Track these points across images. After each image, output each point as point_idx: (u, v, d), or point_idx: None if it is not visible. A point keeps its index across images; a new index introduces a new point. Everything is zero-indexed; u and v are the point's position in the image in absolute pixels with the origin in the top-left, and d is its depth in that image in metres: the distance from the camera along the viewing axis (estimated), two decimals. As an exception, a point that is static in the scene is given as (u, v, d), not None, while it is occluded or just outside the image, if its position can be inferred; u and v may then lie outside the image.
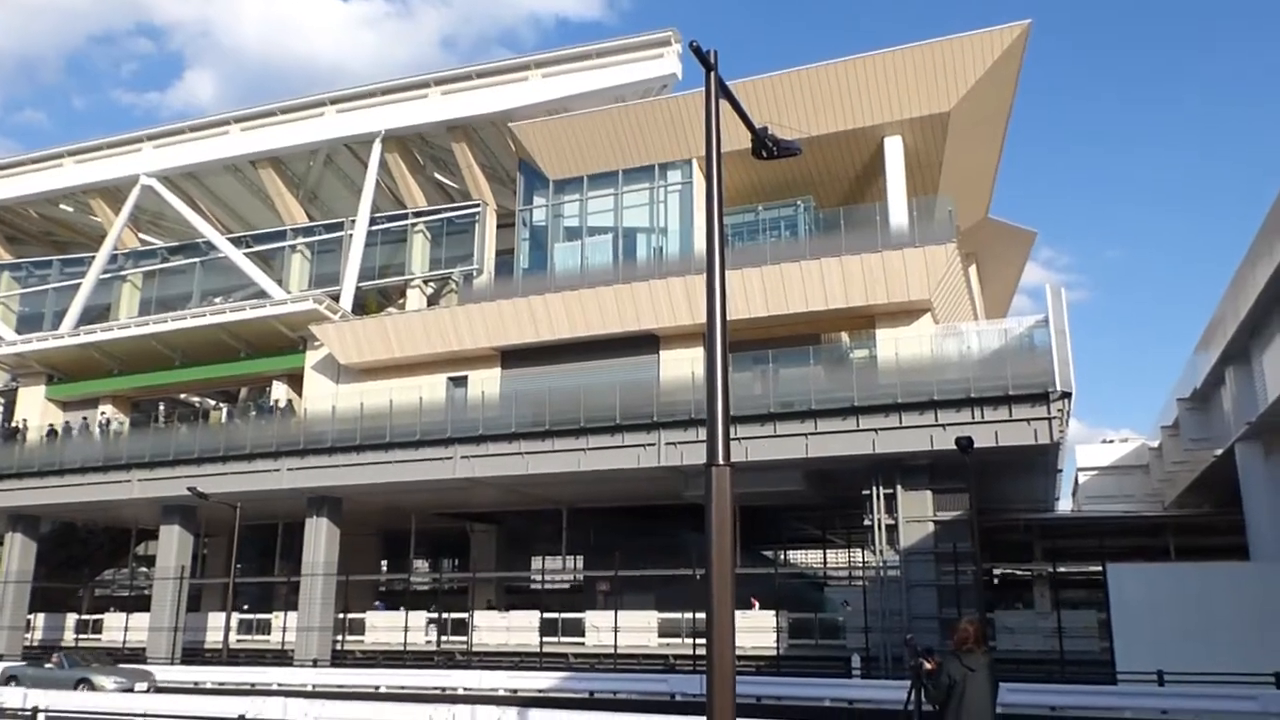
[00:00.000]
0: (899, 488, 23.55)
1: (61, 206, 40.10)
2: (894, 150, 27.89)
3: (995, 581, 34.64)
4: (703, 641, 26.75)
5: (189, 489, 28.21)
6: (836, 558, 39.88)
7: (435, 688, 20.33)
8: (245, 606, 37.09)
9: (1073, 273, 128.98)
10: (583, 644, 30.07)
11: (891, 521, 23.52)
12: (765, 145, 8.83)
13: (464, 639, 32.07)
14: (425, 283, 33.49)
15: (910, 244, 25.13)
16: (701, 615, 26.82)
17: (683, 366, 26.30)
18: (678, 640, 28.78)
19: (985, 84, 26.54)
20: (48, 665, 24.56)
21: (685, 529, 31.10)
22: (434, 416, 28.41)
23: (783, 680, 20.14)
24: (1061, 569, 32.25)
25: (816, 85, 27.45)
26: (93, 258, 37.70)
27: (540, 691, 19.82)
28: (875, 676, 20.98)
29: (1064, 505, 39.10)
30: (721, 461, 7.37)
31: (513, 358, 29.62)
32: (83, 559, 42.66)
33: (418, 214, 33.71)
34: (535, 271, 30.79)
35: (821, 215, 28.88)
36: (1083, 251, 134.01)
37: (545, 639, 29.30)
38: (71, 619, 39.56)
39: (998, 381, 22.21)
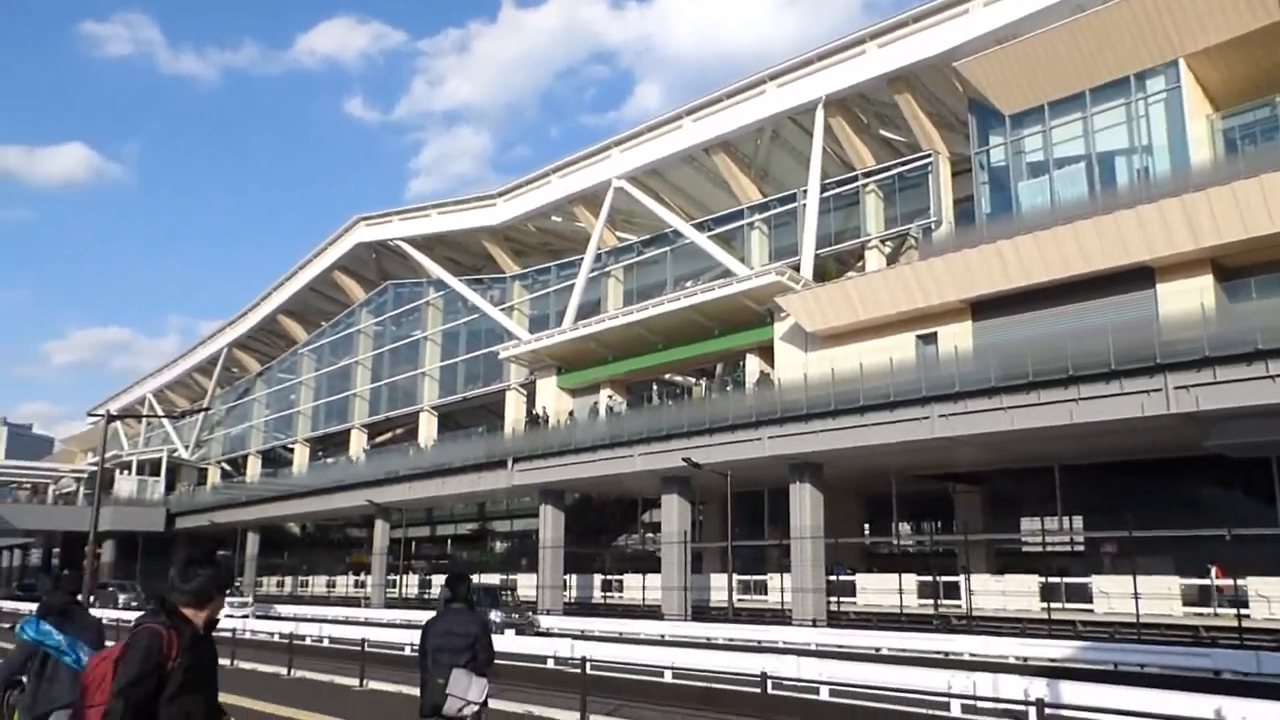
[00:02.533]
0: None
1: (552, 218, 45.52)
2: None
3: None
4: (1246, 612, 23.38)
5: (684, 459, 30.37)
6: None
7: (937, 652, 19.79)
8: (739, 568, 39.37)
9: None
10: (1090, 610, 27.64)
11: None
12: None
13: (955, 603, 31.10)
14: (882, 242, 32.88)
15: None
16: (1243, 582, 23.46)
17: (1186, 299, 22.97)
18: (1206, 610, 25.38)
19: None
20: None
21: (1206, 484, 27.21)
22: (906, 376, 27.74)
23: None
24: None
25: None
26: (581, 259, 42.34)
27: (1053, 661, 18.41)
28: None
29: None
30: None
31: (983, 309, 27.94)
32: (600, 526, 48.31)
33: (867, 174, 33.18)
34: (999, 215, 28.74)
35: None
36: None
37: (1048, 605, 27.36)
38: (597, 579, 44.95)
39: None
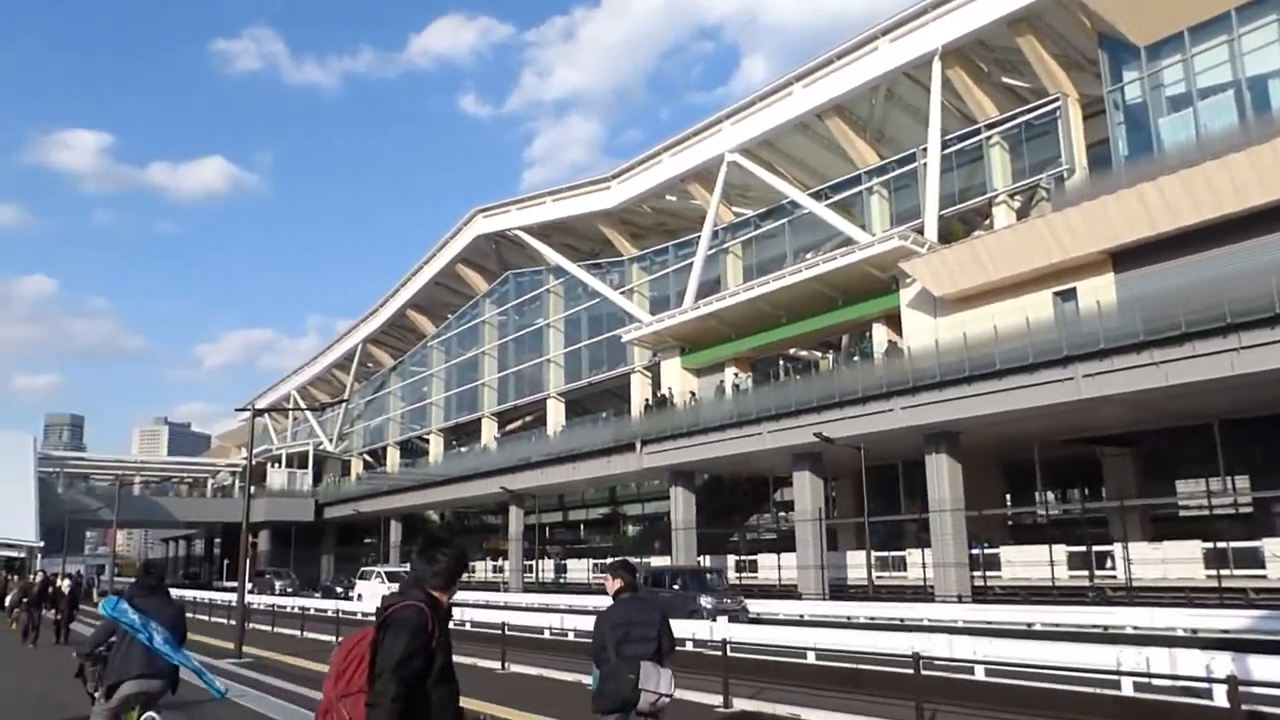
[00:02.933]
0: None
1: (667, 198, 45.18)
2: None
3: None
4: None
5: (815, 435, 29.72)
6: None
7: (1096, 626, 18.72)
8: (876, 544, 38.40)
9: None
10: (1264, 576, 25.76)
11: None
12: None
13: (1109, 574, 29.56)
14: (1010, 197, 31.27)
15: None
16: None
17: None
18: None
19: None
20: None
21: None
22: (1044, 336, 26.41)
23: None
24: None
25: None
26: (698, 237, 41.91)
27: (1226, 633, 17.13)
28: None
29: None
30: None
31: (1126, 258, 26.22)
32: (732, 507, 47.97)
33: (990, 125, 31.57)
34: (1139, 156, 26.90)
35: None
36: None
37: (1213, 572, 25.64)
38: (731, 560, 44.64)
39: None
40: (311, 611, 29.61)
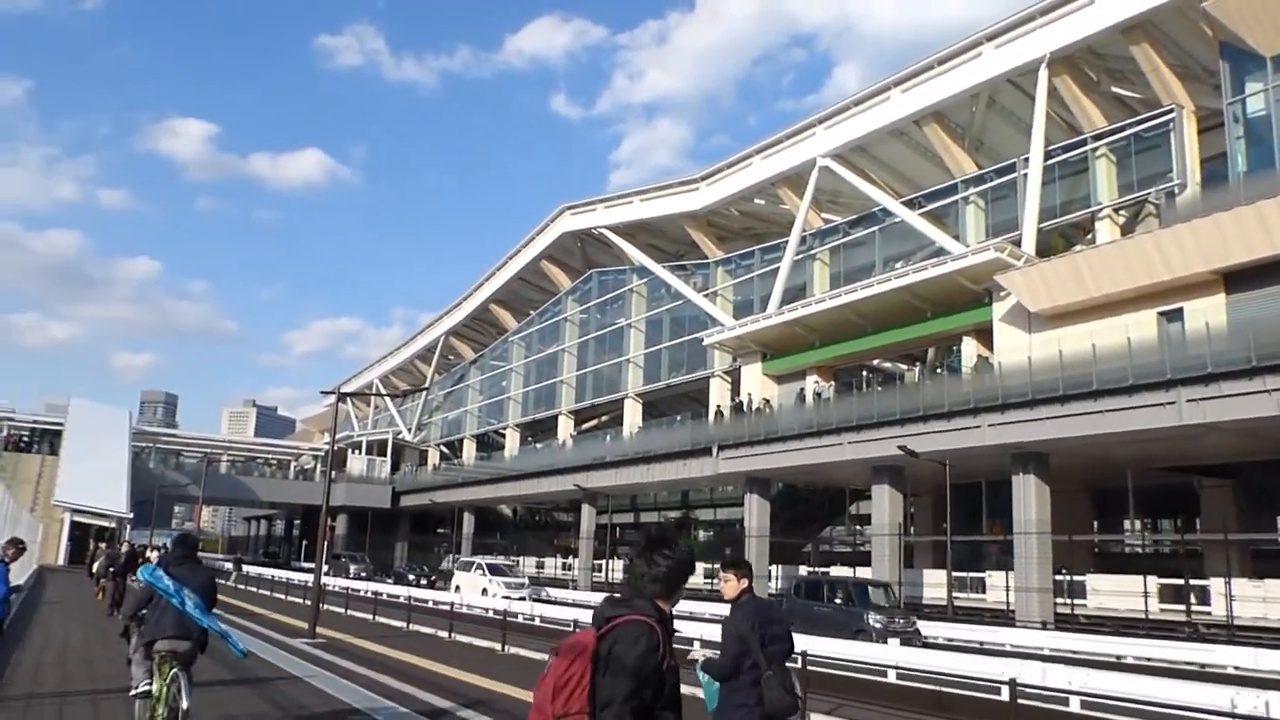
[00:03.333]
0: None
1: (755, 201, 44.68)
2: None
3: None
4: None
5: (900, 448, 28.92)
6: None
7: (1192, 663, 17.69)
8: (955, 564, 37.29)
9: None
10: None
11: None
12: None
13: (1203, 609, 28.14)
14: (1115, 211, 30.02)
15: None
16: None
17: None
18: None
19: None
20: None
21: None
22: (1146, 358, 25.24)
23: None
24: None
25: None
26: (784, 242, 41.34)
27: (1339, 679, 16.00)
28: None
29: None
30: None
31: (1240, 278, 24.89)
32: (806, 517, 47.15)
33: (1098, 136, 30.36)
34: (1258, 172, 25.56)
35: None
36: None
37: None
38: (803, 571, 43.83)
39: None
40: (384, 596, 29.89)
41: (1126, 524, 38.87)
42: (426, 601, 28.53)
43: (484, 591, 33.82)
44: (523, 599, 31.58)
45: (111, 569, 21.29)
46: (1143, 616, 28.70)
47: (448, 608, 24.26)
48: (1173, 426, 24.28)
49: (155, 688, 7.36)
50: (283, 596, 34.56)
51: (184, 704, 6.89)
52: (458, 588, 36.13)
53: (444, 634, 20.02)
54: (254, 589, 40.88)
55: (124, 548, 23.23)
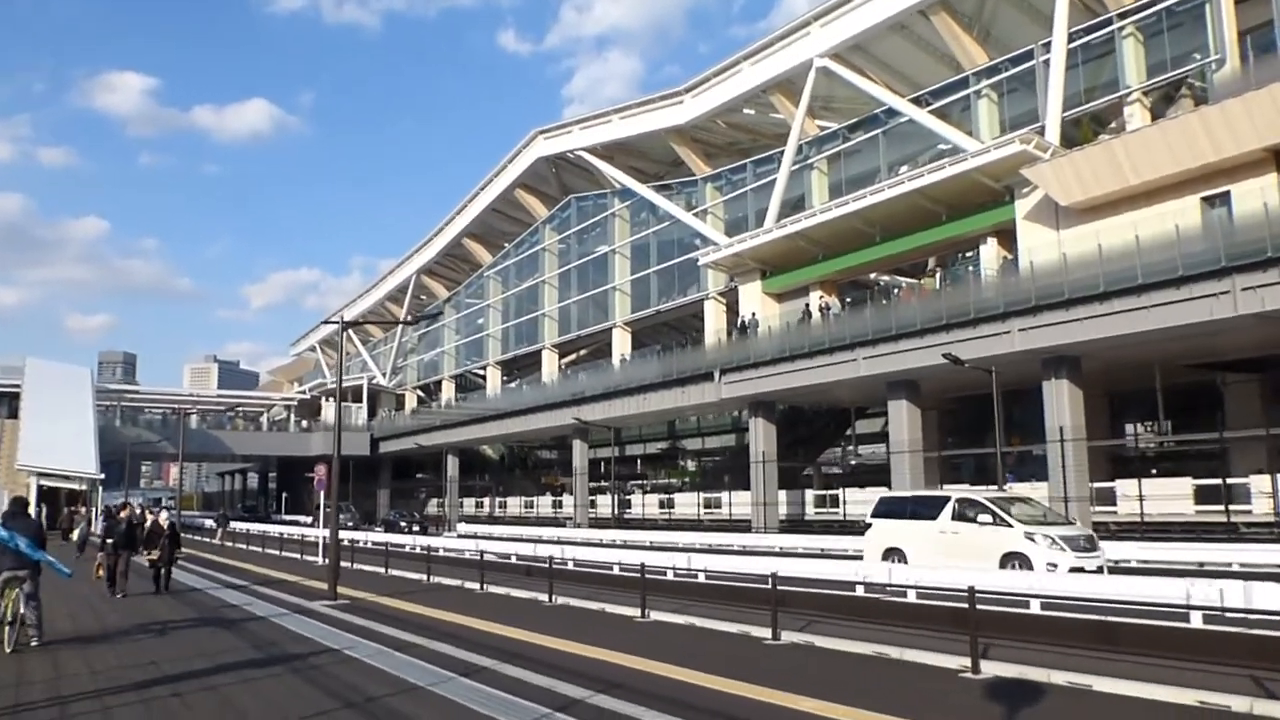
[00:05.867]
0: None
1: (745, 111, 42.23)
2: None
3: None
4: None
5: (945, 355, 27.11)
6: None
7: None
8: (966, 478, 36.15)
9: None
10: None
11: None
12: None
13: (1240, 508, 27.13)
14: (1144, 95, 28.12)
15: None
16: None
17: None
18: None
19: None
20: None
21: None
22: (1192, 247, 23.63)
23: None
24: None
25: None
26: (778, 154, 39.11)
27: None
28: None
29: None
30: None
31: (1294, 156, 23.23)
32: (807, 439, 45.75)
33: (1124, 14, 28.27)
34: (1309, 41, 23.73)
35: None
36: None
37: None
38: (809, 495, 42.53)
39: None
40: (388, 547, 28.00)
41: (1129, 428, 37.88)
42: (437, 550, 26.65)
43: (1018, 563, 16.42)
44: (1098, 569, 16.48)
45: (110, 540, 17.54)
46: (1175, 520, 27.67)
47: (455, 555, 22.55)
48: (1227, 318, 22.75)
49: (2, 606, 10.63)
50: (276, 552, 32.62)
51: (23, 610, 10.79)
52: (896, 556, 18.46)
53: (472, 585, 18.19)
54: (242, 546, 38.86)
55: (124, 513, 18.79)
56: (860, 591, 13.71)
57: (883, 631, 10.92)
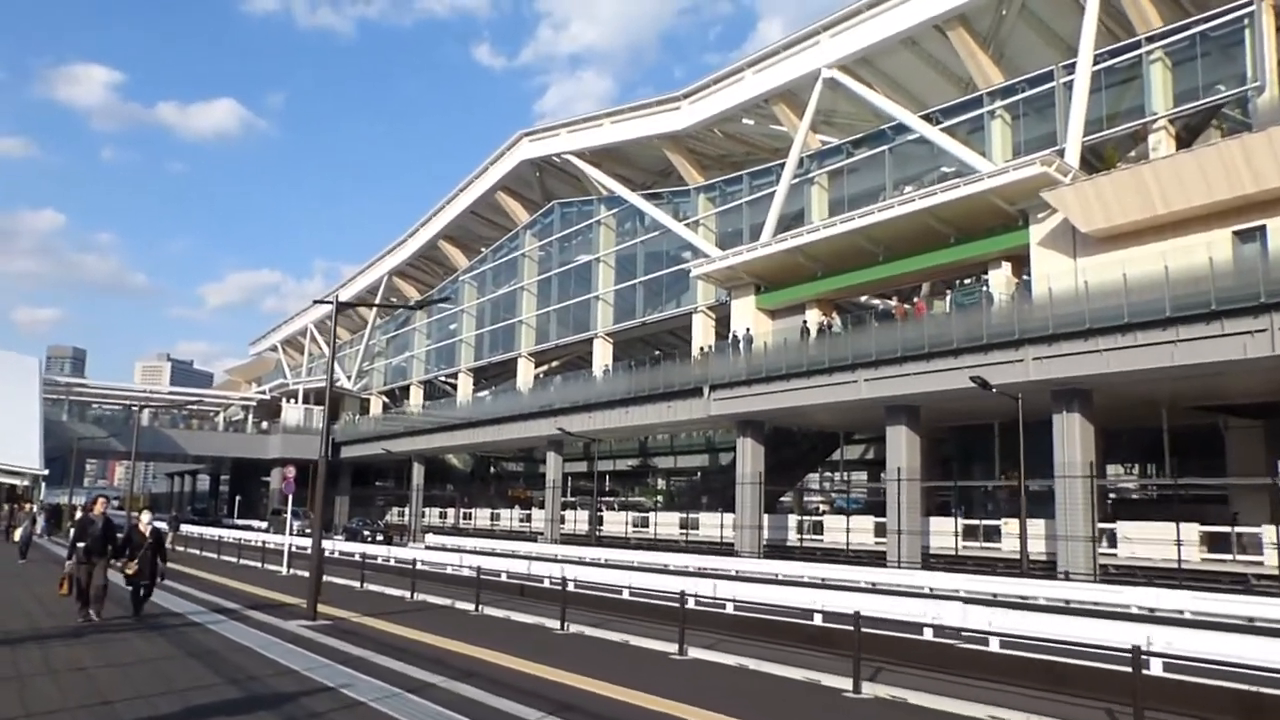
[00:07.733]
0: None
1: (744, 121, 41.02)
2: None
3: None
4: None
5: (972, 379, 25.85)
6: None
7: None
8: (964, 512, 35.00)
9: None
10: None
11: None
12: None
13: (1249, 558, 26.15)
14: (1171, 121, 27.23)
15: None
16: None
17: None
18: None
19: None
20: None
21: None
22: (1223, 281, 22.65)
23: None
24: None
25: None
26: (777, 166, 37.93)
27: None
28: None
29: None
30: None
31: (1336, 190, 22.34)
32: (793, 461, 44.37)
33: (1152, 38, 27.41)
34: (1352, 72, 22.94)
35: None
36: None
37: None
38: (792, 520, 41.07)
39: None
40: (357, 558, 26.08)
41: (1116, 469, 36.99)
42: (414, 563, 24.77)
43: None
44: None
45: (83, 544, 13.68)
46: (1176, 566, 26.57)
47: (435, 569, 20.81)
48: (1265, 356, 21.75)
49: None
50: (234, 559, 30.51)
51: None
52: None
53: (465, 605, 16.45)
54: (195, 551, 36.55)
55: (96, 510, 14.54)
56: (929, 635, 12.23)
57: (970, 688, 9.43)
